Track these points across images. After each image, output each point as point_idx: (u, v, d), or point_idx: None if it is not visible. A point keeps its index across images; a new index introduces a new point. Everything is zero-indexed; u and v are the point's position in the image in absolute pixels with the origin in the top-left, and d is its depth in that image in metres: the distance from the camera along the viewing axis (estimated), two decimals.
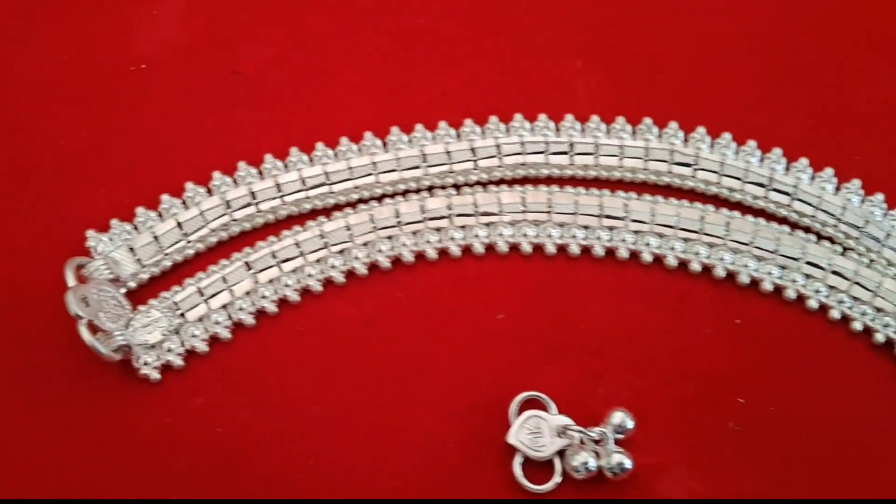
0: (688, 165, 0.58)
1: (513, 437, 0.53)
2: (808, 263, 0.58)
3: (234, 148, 0.59)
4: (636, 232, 0.58)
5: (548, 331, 0.58)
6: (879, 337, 0.56)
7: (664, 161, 0.58)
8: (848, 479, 0.54)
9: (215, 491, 0.52)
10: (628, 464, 0.53)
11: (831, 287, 0.58)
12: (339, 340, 0.57)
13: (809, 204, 0.58)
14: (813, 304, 0.57)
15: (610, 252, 0.59)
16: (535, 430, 0.53)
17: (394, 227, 0.58)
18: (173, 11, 0.63)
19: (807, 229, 0.59)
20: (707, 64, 0.63)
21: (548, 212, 0.58)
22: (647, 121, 0.59)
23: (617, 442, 0.54)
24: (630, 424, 0.53)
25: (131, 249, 0.54)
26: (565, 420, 0.54)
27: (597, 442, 0.54)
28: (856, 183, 0.59)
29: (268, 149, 0.59)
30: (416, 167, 0.58)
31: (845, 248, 0.58)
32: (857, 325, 0.56)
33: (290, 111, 0.62)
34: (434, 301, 0.58)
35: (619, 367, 0.57)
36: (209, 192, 0.57)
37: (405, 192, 0.58)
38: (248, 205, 0.56)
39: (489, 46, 0.64)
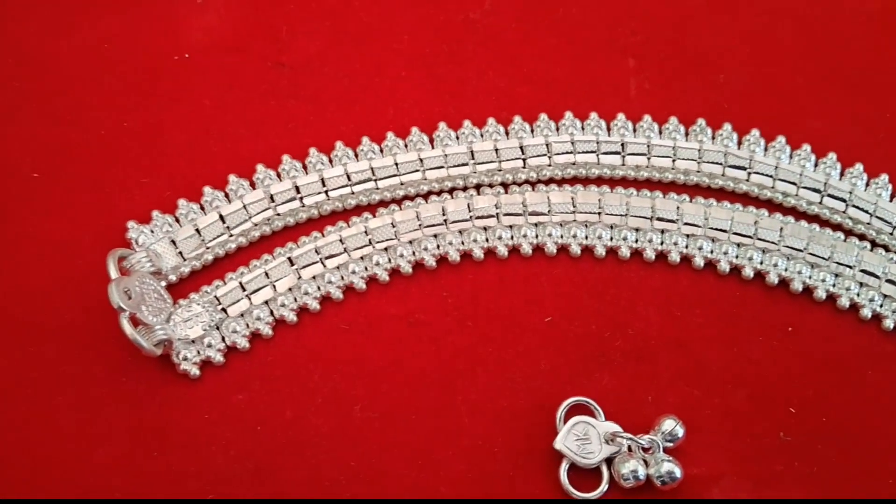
0: (742, 168, 0.56)
1: (560, 443, 0.52)
2: (863, 271, 0.56)
3: (277, 141, 0.58)
4: (688, 235, 0.55)
5: (596, 335, 0.56)
6: None
7: (718, 164, 0.56)
8: None
9: (254, 490, 0.51)
10: (678, 473, 0.51)
11: (886, 296, 0.56)
12: (382, 340, 0.56)
13: (865, 211, 0.57)
14: (867, 312, 0.56)
15: (661, 256, 0.58)
16: (583, 437, 0.52)
17: (440, 224, 0.56)
18: (217, 1, 0.60)
19: (861, 236, 0.57)
20: (762, 65, 0.61)
21: (598, 213, 0.57)
22: (701, 122, 0.57)
23: (666, 450, 0.52)
24: (680, 432, 0.52)
25: (173, 242, 0.53)
26: (614, 427, 0.52)
27: (646, 450, 0.52)
28: None
29: (312, 142, 0.58)
30: (464, 164, 0.56)
31: None
32: None
33: (336, 105, 0.60)
34: (480, 302, 0.57)
35: (669, 374, 0.55)
36: (252, 185, 0.55)
37: (452, 190, 0.57)
38: (292, 199, 0.55)
39: (540, 42, 0.63)
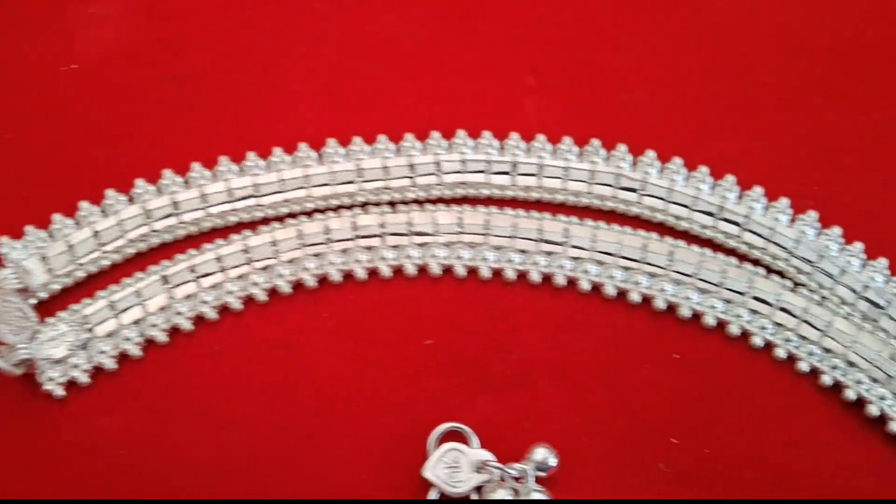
0: (633, 191, 0.54)
1: (429, 472, 0.51)
2: (755, 298, 0.54)
3: (165, 155, 0.57)
4: (575, 258, 0.54)
5: (478, 359, 0.55)
6: (826, 379, 0.54)
7: (609, 185, 0.54)
8: None
9: None
10: None
11: (778, 324, 0.54)
12: (257, 362, 0.55)
13: (760, 235, 0.54)
14: (758, 341, 0.55)
15: (547, 278, 0.56)
16: (454, 465, 0.51)
17: (322, 244, 0.53)
18: (111, 11, 0.59)
19: (756, 262, 0.54)
20: (665, 86, 0.60)
21: (485, 234, 0.54)
22: (595, 142, 0.56)
23: (539, 480, 0.51)
24: (553, 462, 0.51)
25: (44, 258, 0.50)
26: (485, 455, 0.51)
27: (517, 479, 0.51)
28: (812, 215, 0.55)
29: (200, 157, 0.56)
30: (351, 182, 0.54)
31: (796, 284, 0.53)
32: (804, 366, 0.54)
33: (227, 119, 0.59)
34: (361, 324, 0.56)
35: (550, 401, 0.54)
36: (131, 200, 0.52)
37: (338, 208, 0.54)
38: (170, 215, 0.53)
39: (439, 58, 0.62)
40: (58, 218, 0.54)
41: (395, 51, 0.60)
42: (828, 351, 0.53)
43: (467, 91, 0.60)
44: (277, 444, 0.53)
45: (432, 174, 0.56)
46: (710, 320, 0.53)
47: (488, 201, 0.57)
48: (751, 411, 0.54)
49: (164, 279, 0.52)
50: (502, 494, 0.49)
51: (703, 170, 0.56)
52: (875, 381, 0.52)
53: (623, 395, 0.54)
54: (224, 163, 0.55)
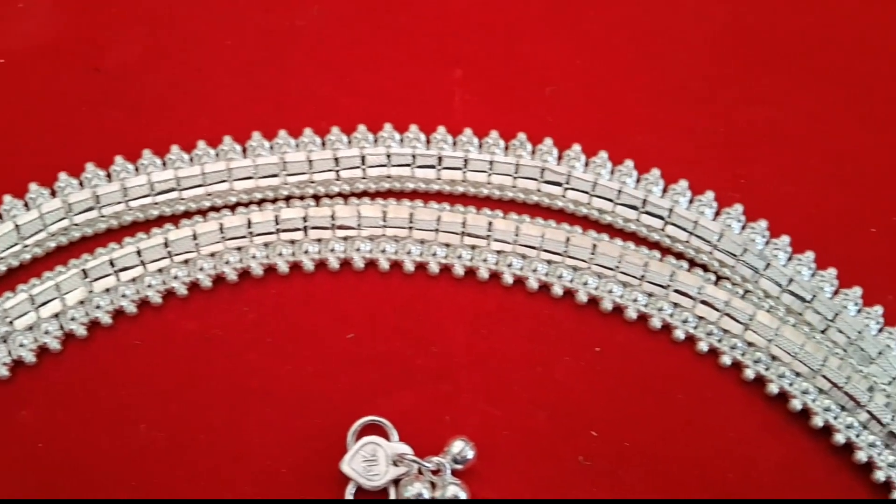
0: (558, 184, 0.54)
1: (346, 465, 0.51)
2: (677, 292, 0.53)
3: (87, 148, 0.57)
4: (499, 252, 0.53)
5: (399, 353, 0.55)
6: (749, 373, 0.54)
7: (534, 179, 0.53)
8: None
9: None
10: (463, 496, 0.50)
11: (700, 318, 0.54)
12: (177, 356, 0.54)
13: (684, 229, 0.54)
14: (679, 334, 0.55)
15: (470, 272, 0.55)
16: (371, 458, 0.51)
17: (244, 237, 0.53)
18: (38, 6, 0.59)
19: (679, 255, 0.54)
20: (593, 80, 0.60)
21: (409, 228, 0.54)
22: (522, 136, 0.55)
23: (456, 473, 0.51)
24: (470, 454, 0.51)
25: None
26: (403, 448, 0.51)
27: (434, 472, 0.51)
28: (737, 209, 0.55)
29: (124, 151, 0.56)
30: (275, 175, 0.53)
31: (719, 277, 0.53)
32: (726, 360, 0.54)
33: (151, 112, 0.60)
34: (282, 317, 0.55)
35: (471, 394, 0.54)
36: (53, 193, 0.52)
37: (261, 202, 0.53)
38: (91, 209, 0.53)
39: (367, 51, 0.62)
40: None
41: (322, 44, 0.60)
42: (750, 344, 0.53)
43: (395, 85, 0.60)
44: (196, 438, 0.53)
45: (357, 168, 0.55)
46: (631, 313, 0.54)
47: (413, 195, 0.56)
48: (672, 405, 0.54)
49: (84, 273, 0.52)
50: (418, 487, 0.48)
51: (629, 164, 0.55)
52: (798, 375, 0.52)
53: (544, 389, 0.54)
54: (147, 156, 0.54)
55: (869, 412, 0.51)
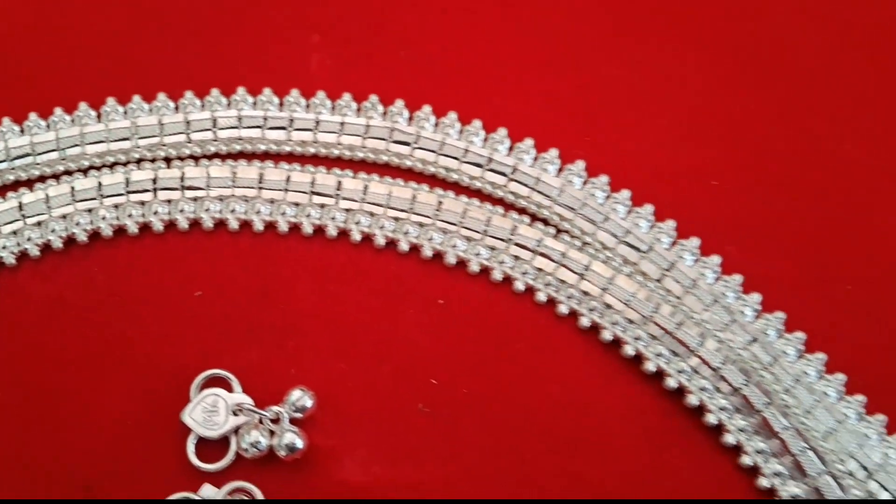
0: (406, 144, 0.55)
1: (186, 416, 0.53)
2: (518, 245, 0.55)
3: None
4: (347, 210, 0.55)
5: (247, 310, 0.57)
6: (584, 321, 0.56)
7: (383, 139, 0.55)
8: (543, 467, 0.54)
9: None
10: (300, 444, 0.52)
11: (539, 269, 0.56)
12: (30, 316, 0.56)
13: (525, 185, 0.55)
14: (520, 286, 0.57)
15: (319, 230, 0.57)
16: (212, 409, 0.53)
17: (94, 199, 0.54)
18: None
19: (522, 210, 0.56)
20: (444, 44, 0.62)
21: (258, 188, 0.55)
22: (373, 98, 0.57)
23: (297, 422, 0.53)
24: (309, 403, 0.52)
25: None
26: (242, 398, 0.53)
27: (273, 421, 0.52)
28: (579, 164, 0.56)
29: None
30: (126, 139, 0.55)
31: (559, 231, 0.54)
32: (563, 309, 0.56)
33: (8, 82, 0.61)
34: (132, 277, 0.57)
35: (317, 348, 0.56)
36: None
37: (113, 165, 0.55)
38: None
39: (224, 17, 0.64)
40: None
41: (178, 10, 0.62)
42: (586, 294, 0.54)
43: (253, 50, 0.62)
44: (47, 396, 0.55)
45: (208, 130, 0.56)
46: (474, 267, 0.55)
47: (264, 156, 0.57)
48: (512, 353, 0.56)
49: None
50: (255, 435, 0.50)
51: (477, 123, 0.57)
52: (631, 322, 0.53)
53: (388, 341, 0.56)
54: (6, 123, 0.56)
55: (700, 357, 0.51)
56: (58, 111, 0.57)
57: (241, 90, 0.58)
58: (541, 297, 0.56)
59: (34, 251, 0.55)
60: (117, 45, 0.62)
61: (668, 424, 0.55)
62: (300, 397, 0.52)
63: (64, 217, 0.56)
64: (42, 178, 0.58)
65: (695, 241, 0.57)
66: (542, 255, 0.57)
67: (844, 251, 0.58)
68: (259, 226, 0.56)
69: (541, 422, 0.55)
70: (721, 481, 0.54)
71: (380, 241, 0.56)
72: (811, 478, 0.52)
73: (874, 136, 0.60)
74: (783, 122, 0.61)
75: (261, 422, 0.52)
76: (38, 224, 0.55)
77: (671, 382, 0.55)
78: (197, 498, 0.50)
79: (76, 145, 0.56)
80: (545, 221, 0.57)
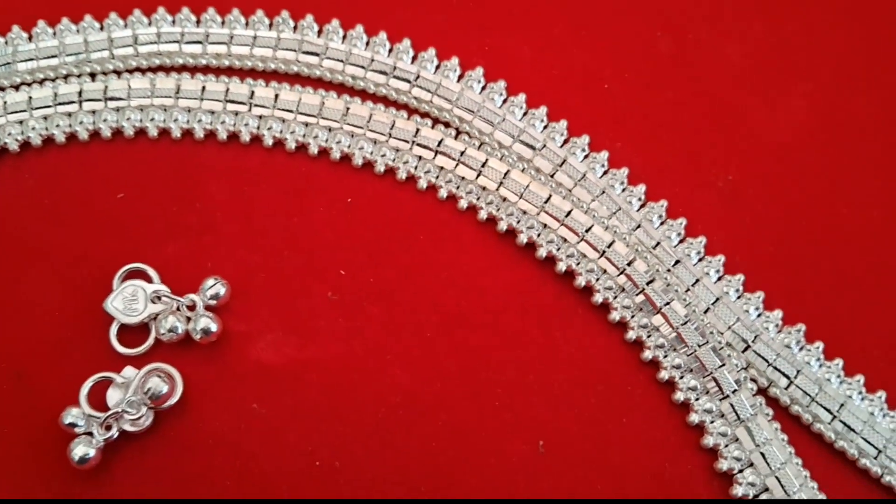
0: (315, 55, 0.60)
1: (109, 304, 0.56)
2: (420, 146, 0.59)
3: None
4: (259, 117, 0.59)
5: (166, 210, 0.60)
6: (482, 214, 0.59)
7: (293, 50, 0.60)
8: (442, 343, 0.59)
9: None
10: (214, 327, 0.56)
11: (441, 168, 0.59)
12: None
13: (428, 90, 0.60)
14: (422, 184, 0.60)
15: (233, 136, 0.61)
16: (132, 298, 0.56)
17: (24, 112, 0.59)
18: None
19: (424, 115, 0.61)
20: None
21: (175, 97, 0.60)
22: (284, 14, 0.61)
23: (210, 308, 0.57)
24: (222, 291, 0.56)
25: None
26: (160, 287, 0.56)
27: (189, 308, 0.56)
28: (479, 71, 0.61)
29: None
30: (55, 56, 0.59)
31: (459, 132, 0.59)
32: (463, 204, 0.60)
33: None
34: (60, 183, 0.61)
35: (231, 243, 0.60)
36: None
37: (42, 81, 0.60)
38: None
39: None
40: None
41: None
42: (484, 189, 0.58)
43: None
44: None
45: (129, 46, 0.61)
46: (380, 167, 0.60)
47: (181, 69, 0.62)
48: (415, 246, 0.60)
49: None
50: (172, 321, 0.54)
51: (382, 35, 0.62)
52: (525, 213, 0.58)
53: (299, 237, 0.60)
54: None
55: (586, 241, 0.56)
56: None
57: (161, 10, 0.62)
58: (442, 193, 0.60)
59: None
60: None
61: (560, 304, 0.60)
62: (213, 285, 0.56)
63: None
64: None
65: (585, 139, 0.60)
66: (443, 154, 0.60)
67: (720, 142, 0.63)
68: (177, 133, 0.60)
69: (441, 304, 0.59)
70: (608, 355, 0.58)
71: (291, 145, 0.60)
72: (692, 348, 0.55)
73: (749, 36, 0.66)
74: (664, 26, 0.66)
75: (178, 309, 0.56)
76: None
77: (561, 266, 0.58)
78: (119, 378, 0.52)
79: (7, 63, 0.60)
80: (446, 124, 0.60)
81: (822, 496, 0.53)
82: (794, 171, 0.61)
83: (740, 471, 0.54)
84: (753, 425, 0.54)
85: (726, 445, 0.55)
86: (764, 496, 0.52)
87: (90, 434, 0.54)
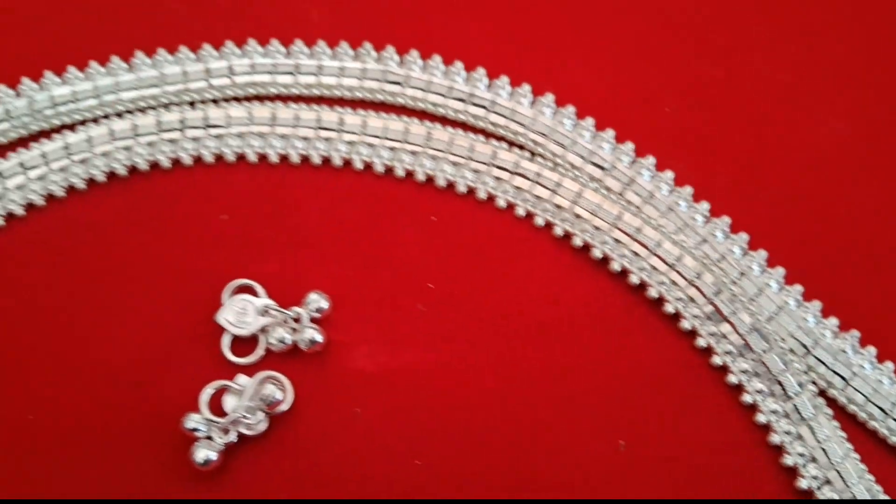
0: (398, 84, 0.66)
1: (220, 317, 0.61)
2: (498, 167, 0.65)
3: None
4: (349, 143, 0.65)
5: (267, 229, 0.65)
6: (558, 231, 0.64)
7: (377, 80, 0.66)
8: (523, 351, 0.63)
9: None
10: (320, 338, 0.60)
11: (518, 188, 0.65)
12: (81, 240, 0.64)
13: (503, 115, 0.66)
14: (501, 202, 0.65)
15: (326, 160, 0.66)
16: (242, 311, 0.60)
17: (130, 139, 0.64)
18: None
19: (500, 138, 0.66)
20: None
21: (272, 125, 0.65)
22: (367, 45, 0.67)
23: (314, 320, 0.61)
24: (325, 305, 0.61)
25: None
26: (268, 301, 0.61)
27: (295, 320, 0.60)
28: (549, 97, 0.66)
29: (29, 74, 0.66)
30: (155, 86, 0.65)
31: (533, 154, 0.65)
32: (539, 221, 0.64)
33: (52, 39, 0.70)
34: (166, 205, 0.65)
35: (327, 259, 0.64)
36: None
37: (145, 109, 0.65)
38: (3, 121, 0.65)
39: None
40: None
41: None
42: (559, 207, 0.64)
43: (258, 4, 0.71)
44: (98, 305, 0.63)
45: (225, 77, 0.66)
46: (461, 188, 0.65)
47: (275, 98, 0.67)
48: (494, 259, 0.65)
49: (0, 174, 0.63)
50: (281, 333, 0.59)
51: (459, 64, 0.67)
52: (598, 229, 0.63)
53: (389, 252, 0.64)
54: (48, 76, 0.66)
55: (658, 256, 0.62)
56: (94, 64, 0.66)
57: (251, 41, 0.67)
58: (520, 211, 0.65)
59: (80, 185, 0.64)
60: (138, 4, 0.72)
61: (633, 314, 0.64)
62: (317, 299, 0.61)
63: (105, 154, 0.64)
64: (83, 122, 0.66)
65: (650, 159, 0.65)
66: (520, 175, 0.65)
67: (773, 160, 0.68)
68: (274, 158, 0.66)
69: (521, 315, 0.63)
70: (680, 361, 0.63)
71: (379, 168, 0.66)
72: (758, 354, 0.61)
73: (795, 60, 0.70)
74: (720, 52, 0.71)
75: (285, 321, 0.60)
76: (83, 161, 0.64)
77: (634, 279, 0.63)
78: (235, 385, 0.58)
79: (112, 92, 0.65)
80: (521, 147, 0.66)
81: (878, 488, 0.58)
82: (842, 185, 0.66)
83: (804, 465, 0.59)
84: (815, 424, 0.59)
85: (791, 443, 0.59)
86: (826, 488, 0.57)
87: (210, 438, 0.56)
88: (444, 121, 0.68)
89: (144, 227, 0.65)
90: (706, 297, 0.62)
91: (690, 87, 0.69)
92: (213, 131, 0.66)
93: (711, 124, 0.68)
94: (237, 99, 0.66)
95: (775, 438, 0.60)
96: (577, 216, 0.64)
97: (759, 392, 0.61)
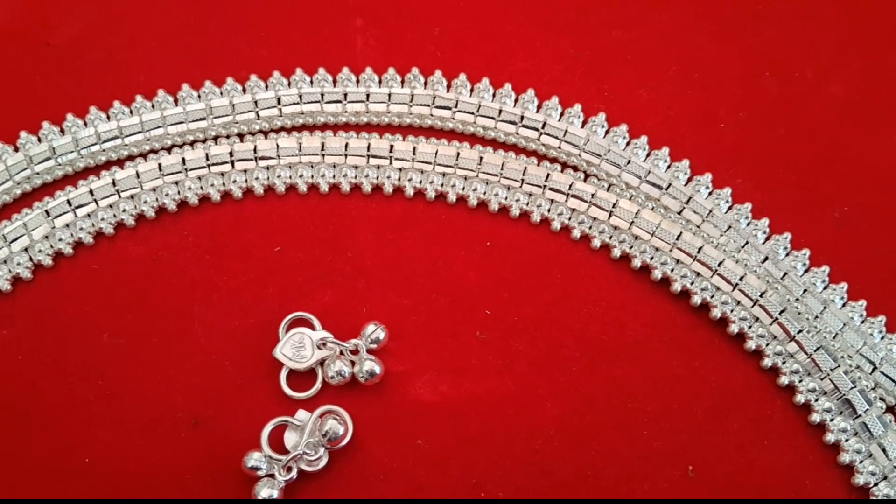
0: (448, 108, 0.65)
1: (278, 352, 0.60)
2: (552, 189, 0.63)
3: (43, 110, 0.68)
4: (400, 169, 0.64)
5: (320, 259, 0.64)
6: (616, 252, 0.63)
7: (426, 105, 0.65)
8: (586, 375, 0.62)
9: (15, 417, 0.59)
10: (378, 370, 0.59)
11: (573, 210, 0.64)
12: (130, 276, 0.63)
13: (555, 137, 0.64)
14: (556, 225, 0.64)
15: (377, 188, 0.65)
16: (299, 345, 0.60)
17: (179, 173, 0.63)
18: None
19: (553, 160, 0.65)
20: (474, 19, 0.72)
21: (322, 155, 0.64)
22: (415, 70, 0.66)
23: (371, 352, 0.60)
24: (382, 335, 0.60)
25: None
26: (325, 334, 0.60)
27: (353, 352, 0.59)
28: (601, 116, 0.65)
29: (73, 109, 0.66)
30: (203, 119, 0.64)
31: (587, 175, 0.63)
32: (597, 243, 0.63)
33: (96, 76, 0.70)
34: (217, 238, 0.64)
35: (382, 288, 0.63)
36: (16, 149, 0.64)
37: (193, 143, 0.64)
38: (48, 159, 0.63)
39: (277, 7, 0.72)
40: None
41: (240, 5, 0.72)
42: (616, 228, 0.63)
43: (304, 36, 0.70)
44: (150, 342, 0.62)
45: (274, 108, 0.66)
46: (515, 211, 0.64)
47: (324, 127, 0.66)
48: (553, 284, 0.63)
49: (47, 213, 0.63)
50: (340, 365, 0.58)
51: (508, 87, 0.66)
52: (657, 250, 0.62)
53: (444, 279, 0.63)
54: (93, 112, 0.65)
55: (720, 275, 0.61)
56: (139, 98, 0.65)
57: (299, 71, 0.66)
58: (576, 233, 0.64)
59: (130, 221, 0.63)
60: (186, 39, 0.71)
61: (696, 336, 0.63)
62: (374, 330, 0.59)
63: (154, 189, 0.64)
64: (131, 158, 0.65)
65: (708, 177, 0.64)
66: (575, 196, 0.64)
67: (831, 174, 0.67)
68: (325, 188, 0.65)
69: (583, 339, 0.62)
70: (746, 382, 0.62)
71: (430, 194, 0.65)
72: (825, 373, 0.59)
73: (851, 74, 0.69)
74: (772, 67, 0.69)
75: (342, 353, 0.59)
76: (132, 197, 0.63)
77: (696, 300, 0.62)
78: (295, 421, 0.57)
79: (159, 127, 0.65)
80: (574, 168, 0.64)
81: None
82: None
83: (875, 484, 0.57)
84: (886, 441, 0.57)
85: (861, 461, 0.58)
86: None
87: (272, 476, 0.55)
88: (496, 144, 0.66)
89: (196, 261, 0.64)
90: (771, 315, 0.61)
91: (745, 102, 0.68)
92: (263, 163, 0.65)
93: (768, 140, 0.67)
94: (285, 129, 0.63)
95: (845, 457, 0.58)
96: (636, 237, 0.63)
97: (828, 411, 0.59)
